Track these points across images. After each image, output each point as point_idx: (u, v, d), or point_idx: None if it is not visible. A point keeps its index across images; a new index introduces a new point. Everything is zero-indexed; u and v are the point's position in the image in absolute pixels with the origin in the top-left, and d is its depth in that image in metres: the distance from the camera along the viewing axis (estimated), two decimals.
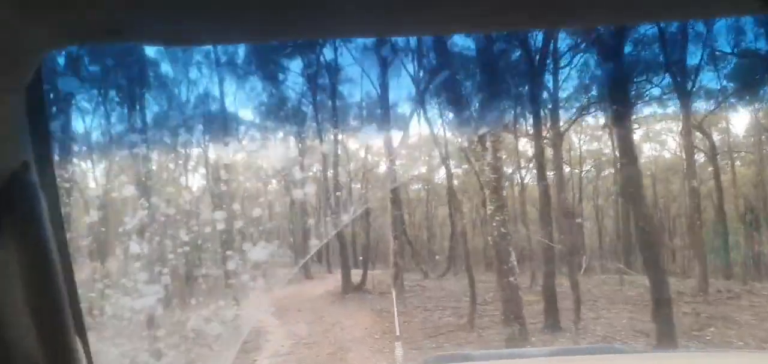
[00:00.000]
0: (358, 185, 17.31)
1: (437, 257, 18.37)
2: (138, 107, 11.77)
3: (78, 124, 11.17)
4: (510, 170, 17.80)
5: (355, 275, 15.54)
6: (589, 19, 1.13)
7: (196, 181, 14.18)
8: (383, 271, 15.86)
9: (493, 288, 11.64)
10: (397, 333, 5.96)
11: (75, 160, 10.29)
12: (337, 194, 15.00)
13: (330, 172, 14.72)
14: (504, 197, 10.93)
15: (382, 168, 16.79)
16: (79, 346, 0.95)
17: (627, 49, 11.78)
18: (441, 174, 17.71)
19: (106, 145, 11.26)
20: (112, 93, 11.64)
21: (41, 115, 1.01)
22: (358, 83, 13.63)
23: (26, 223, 0.87)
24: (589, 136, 17.21)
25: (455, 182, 16.12)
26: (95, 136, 11.49)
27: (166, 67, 12.28)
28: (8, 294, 0.89)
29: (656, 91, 13.05)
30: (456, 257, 16.69)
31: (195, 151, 12.98)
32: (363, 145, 15.60)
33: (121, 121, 11.84)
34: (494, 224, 10.19)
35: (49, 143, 1.04)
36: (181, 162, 12.80)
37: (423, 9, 0.95)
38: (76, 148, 10.75)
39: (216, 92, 12.95)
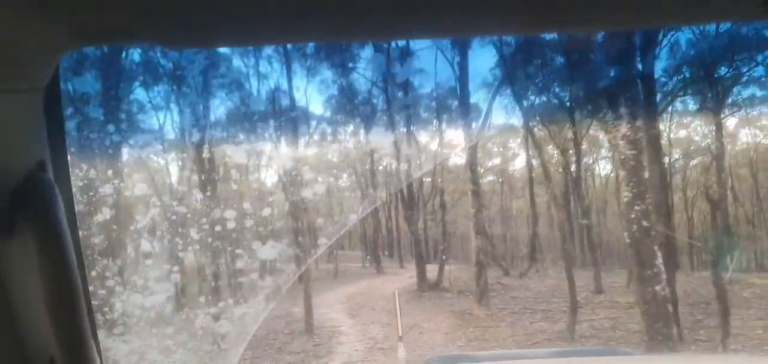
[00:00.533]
0: (431, 178, 17.32)
1: (520, 253, 17.93)
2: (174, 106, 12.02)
3: (95, 124, 11.51)
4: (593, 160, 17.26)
5: (429, 270, 15.25)
6: (596, 24, 1.10)
7: (271, 176, 14.47)
8: (458, 266, 15.61)
9: (585, 288, 11.15)
10: (400, 334, 5.86)
11: (91, 159, 10.68)
12: (408, 186, 14.97)
13: (402, 165, 14.62)
14: (644, 183, 9.56)
15: (456, 159, 16.65)
16: (93, 342, 0.96)
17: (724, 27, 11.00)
18: (517, 165, 17.41)
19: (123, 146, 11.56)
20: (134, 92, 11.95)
21: (58, 114, 1.04)
22: (430, 73, 13.46)
23: (43, 220, 0.90)
24: (679, 123, 16.30)
25: (533, 175, 15.97)
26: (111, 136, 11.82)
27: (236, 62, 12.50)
28: (24, 291, 0.93)
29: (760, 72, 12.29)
30: (537, 254, 16.28)
31: (267, 147, 13.19)
32: (436, 136, 15.42)
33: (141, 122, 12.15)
34: (632, 217, 9.00)
35: (64, 143, 1.06)
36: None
37: (435, 12, 0.96)
38: (93, 148, 11.12)
39: (284, 86, 13.11)
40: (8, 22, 0.81)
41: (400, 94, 13.48)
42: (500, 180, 19.59)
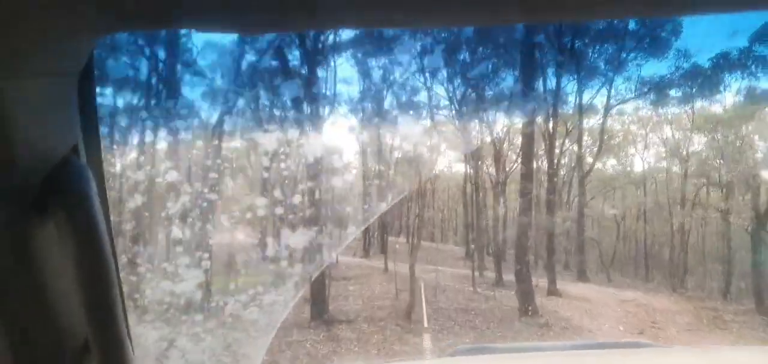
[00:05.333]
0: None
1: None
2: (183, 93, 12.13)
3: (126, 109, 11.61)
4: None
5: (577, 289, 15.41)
6: (589, 13, 1.07)
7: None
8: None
9: None
10: (425, 325, 5.92)
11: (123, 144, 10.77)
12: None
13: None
14: None
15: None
16: (126, 328, 0.99)
17: None
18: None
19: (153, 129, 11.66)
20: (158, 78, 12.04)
21: (91, 99, 1.06)
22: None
23: (76, 205, 0.92)
24: None
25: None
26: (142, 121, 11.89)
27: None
28: (59, 274, 0.96)
29: None
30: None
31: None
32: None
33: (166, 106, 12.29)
34: None
35: (97, 128, 1.08)
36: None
37: (433, 1, 0.96)
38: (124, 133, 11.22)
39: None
40: (43, 6, 0.83)
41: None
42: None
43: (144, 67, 11.73)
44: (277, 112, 12.88)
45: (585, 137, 16.80)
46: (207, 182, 9.94)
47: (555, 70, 13.83)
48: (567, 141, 16.68)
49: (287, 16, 1.02)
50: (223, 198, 9.88)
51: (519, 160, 15.63)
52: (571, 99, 14.79)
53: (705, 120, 15.55)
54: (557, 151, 15.96)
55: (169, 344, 7.26)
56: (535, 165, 15.45)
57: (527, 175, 14.75)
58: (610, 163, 18.68)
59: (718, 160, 16.23)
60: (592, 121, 16.35)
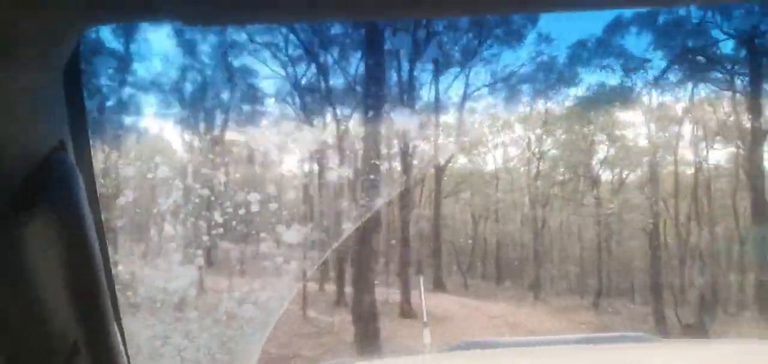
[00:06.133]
0: None
1: None
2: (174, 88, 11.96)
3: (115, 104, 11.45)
4: None
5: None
6: (583, 3, 1.07)
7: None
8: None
9: None
10: (425, 320, 5.96)
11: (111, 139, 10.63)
12: None
13: None
14: None
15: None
16: (115, 326, 0.97)
17: None
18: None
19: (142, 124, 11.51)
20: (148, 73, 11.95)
21: (78, 94, 1.04)
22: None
23: (64, 202, 0.91)
24: None
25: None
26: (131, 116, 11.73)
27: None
28: (46, 274, 0.94)
29: None
30: None
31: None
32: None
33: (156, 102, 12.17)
34: None
35: (85, 123, 1.06)
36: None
37: None
38: (112, 128, 11.03)
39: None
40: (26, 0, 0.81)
41: None
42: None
43: (133, 60, 11.66)
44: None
45: (440, 133, 14.94)
46: (198, 178, 9.91)
47: (409, 60, 13.00)
48: (421, 136, 14.24)
49: (278, 8, 1.01)
50: (216, 193, 9.81)
51: (367, 157, 13.16)
52: (426, 93, 13.67)
53: (560, 115, 14.98)
54: (410, 147, 13.79)
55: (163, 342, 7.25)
56: (387, 164, 13.33)
57: (372, 174, 13.51)
58: (465, 161, 17.42)
59: (579, 157, 15.98)
60: (448, 116, 14.74)
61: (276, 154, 12.59)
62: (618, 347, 3.09)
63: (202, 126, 12.61)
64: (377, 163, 11.71)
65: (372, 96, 11.91)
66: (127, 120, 11.79)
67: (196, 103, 12.42)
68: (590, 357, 2.82)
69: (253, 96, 12.81)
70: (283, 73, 13.19)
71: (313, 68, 13.18)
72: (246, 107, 12.92)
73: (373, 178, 11.20)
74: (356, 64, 12.72)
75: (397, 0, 0.98)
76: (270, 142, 12.62)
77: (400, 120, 12.86)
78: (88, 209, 0.92)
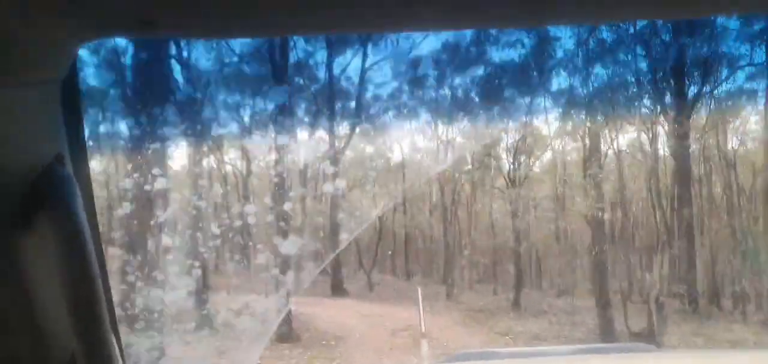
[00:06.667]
0: None
1: None
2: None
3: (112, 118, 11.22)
4: None
5: None
6: (597, 16, 1.08)
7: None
8: None
9: None
10: (423, 330, 5.91)
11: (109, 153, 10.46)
12: None
13: None
14: None
15: None
16: (113, 338, 0.97)
17: None
18: None
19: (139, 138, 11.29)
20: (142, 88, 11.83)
21: (76, 107, 1.05)
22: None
23: (61, 215, 0.91)
24: None
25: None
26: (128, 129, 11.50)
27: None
28: (44, 287, 0.94)
29: None
30: None
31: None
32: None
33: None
34: None
35: (83, 136, 1.07)
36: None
37: (423, 4, 0.96)
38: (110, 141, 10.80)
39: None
40: (24, 12, 0.82)
41: None
42: None
43: (129, 72, 11.62)
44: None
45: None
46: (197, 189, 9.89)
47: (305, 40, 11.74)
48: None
49: (272, 21, 1.02)
50: (213, 205, 9.77)
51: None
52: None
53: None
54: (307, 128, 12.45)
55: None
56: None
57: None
58: (366, 147, 15.47)
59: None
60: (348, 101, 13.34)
61: None
62: (618, 356, 3.07)
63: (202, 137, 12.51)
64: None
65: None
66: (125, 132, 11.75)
67: (193, 114, 12.34)
68: None
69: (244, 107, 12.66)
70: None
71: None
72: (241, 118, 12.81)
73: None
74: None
75: (398, 12, 0.98)
76: None
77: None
78: (85, 221, 0.92)
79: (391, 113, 13.51)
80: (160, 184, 8.72)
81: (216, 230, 9.35)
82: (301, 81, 12.25)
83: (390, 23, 1.28)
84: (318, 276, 10.67)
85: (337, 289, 13.82)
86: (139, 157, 10.37)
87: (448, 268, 14.79)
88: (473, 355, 3.92)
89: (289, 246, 8.83)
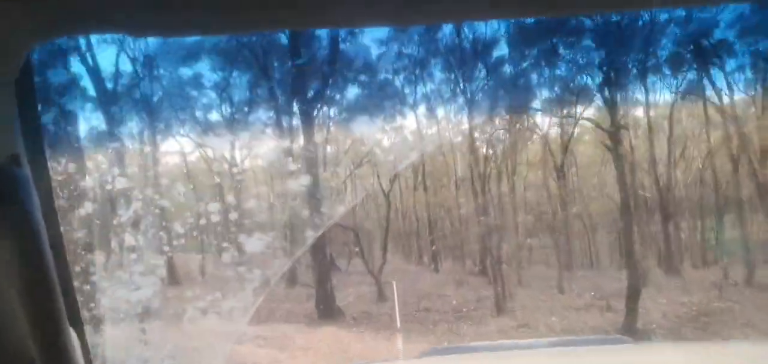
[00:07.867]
0: None
1: None
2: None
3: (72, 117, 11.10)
4: None
5: None
6: (593, 6, 1.11)
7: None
8: None
9: None
10: (398, 326, 5.94)
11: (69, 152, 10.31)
12: None
13: None
14: None
15: None
16: (72, 338, 0.96)
17: None
18: None
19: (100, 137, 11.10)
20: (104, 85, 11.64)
21: (32, 108, 1.03)
22: None
23: (17, 216, 0.89)
24: None
25: None
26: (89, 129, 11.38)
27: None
28: (1, 287, 0.92)
29: None
30: None
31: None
32: None
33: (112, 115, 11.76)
34: None
35: (40, 136, 1.05)
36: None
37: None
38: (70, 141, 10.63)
39: None
40: None
41: None
42: None
43: (90, 70, 11.37)
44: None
45: None
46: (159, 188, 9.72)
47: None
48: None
49: (230, 19, 1.01)
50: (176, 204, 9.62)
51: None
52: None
53: None
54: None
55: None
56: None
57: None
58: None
59: None
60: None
61: None
62: (596, 349, 3.01)
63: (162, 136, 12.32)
64: None
65: None
66: (86, 132, 11.50)
67: (151, 113, 12.11)
68: (565, 361, 2.75)
69: (209, 105, 12.59)
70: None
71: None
72: (201, 116, 12.68)
73: None
74: None
75: (388, 7, 0.98)
76: None
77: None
78: (42, 223, 0.91)
79: None
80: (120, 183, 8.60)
81: (180, 229, 9.25)
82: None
83: (380, 18, 1.28)
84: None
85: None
86: (100, 156, 10.17)
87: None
88: (450, 349, 3.92)
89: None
